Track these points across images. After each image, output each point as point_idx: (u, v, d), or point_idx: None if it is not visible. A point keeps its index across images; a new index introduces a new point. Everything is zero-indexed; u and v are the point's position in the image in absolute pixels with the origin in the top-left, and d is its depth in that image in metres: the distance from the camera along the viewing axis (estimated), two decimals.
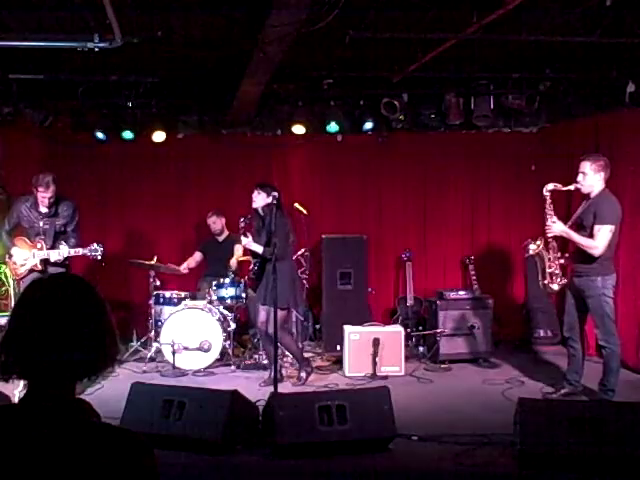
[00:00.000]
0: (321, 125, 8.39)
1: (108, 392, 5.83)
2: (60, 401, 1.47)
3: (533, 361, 7.49)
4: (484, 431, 4.92)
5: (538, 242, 5.73)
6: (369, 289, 8.16)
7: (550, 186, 5.69)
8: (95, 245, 6.36)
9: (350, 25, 5.54)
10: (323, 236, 8.07)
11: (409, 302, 8.19)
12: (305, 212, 7.66)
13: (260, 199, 6.33)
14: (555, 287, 5.74)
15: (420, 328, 7.96)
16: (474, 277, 8.35)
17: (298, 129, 8.31)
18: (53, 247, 6.39)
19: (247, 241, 6.28)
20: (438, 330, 7.32)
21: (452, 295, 7.62)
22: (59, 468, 1.39)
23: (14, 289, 7.15)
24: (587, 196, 5.68)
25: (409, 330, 7.84)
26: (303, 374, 6.53)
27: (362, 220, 8.74)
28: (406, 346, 7.23)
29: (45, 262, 6.36)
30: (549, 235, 5.67)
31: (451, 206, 8.86)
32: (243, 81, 6.59)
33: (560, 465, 4.28)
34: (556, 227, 5.62)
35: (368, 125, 8.40)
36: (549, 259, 5.70)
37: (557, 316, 8.11)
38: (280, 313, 5.97)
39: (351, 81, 8.03)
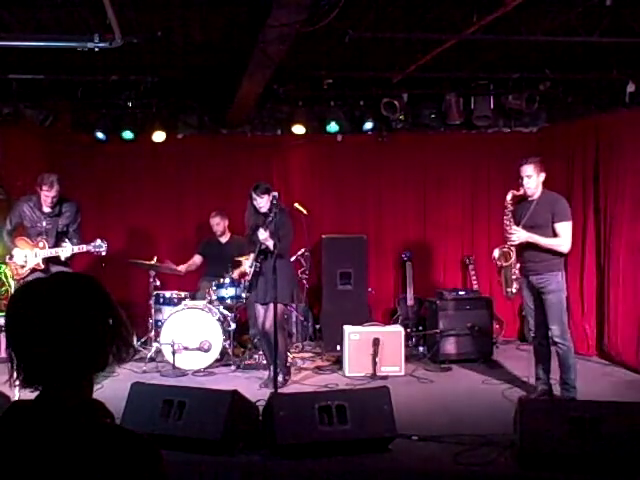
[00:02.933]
0: (321, 125, 8.39)
1: (108, 392, 5.81)
2: (73, 401, 1.46)
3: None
4: (484, 431, 4.92)
5: (505, 249, 5.75)
6: (369, 289, 8.16)
7: (510, 195, 5.76)
8: (99, 241, 6.36)
9: (350, 25, 5.54)
10: (323, 236, 8.07)
11: (409, 302, 8.18)
12: (305, 212, 7.65)
13: (264, 201, 6.37)
14: (515, 291, 5.77)
15: (420, 328, 7.96)
16: (474, 277, 8.36)
17: (298, 129, 8.31)
18: (56, 246, 6.40)
19: (265, 235, 6.27)
20: (438, 330, 7.32)
21: (452, 295, 7.62)
22: (66, 470, 1.38)
23: (15, 289, 7.15)
24: (527, 198, 5.73)
25: (409, 330, 7.84)
26: (280, 378, 6.45)
27: (362, 220, 8.74)
28: (406, 346, 7.22)
29: (47, 261, 6.36)
30: (514, 243, 5.69)
31: (451, 206, 8.86)
32: (243, 81, 6.59)
33: (560, 465, 4.28)
34: (521, 235, 5.65)
35: (368, 125, 8.40)
36: (512, 266, 5.73)
37: None
38: (281, 308, 6.24)
39: (351, 81, 8.03)
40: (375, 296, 8.39)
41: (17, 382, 1.49)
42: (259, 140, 8.73)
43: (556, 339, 5.65)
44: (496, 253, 5.83)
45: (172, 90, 8.05)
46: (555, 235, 5.61)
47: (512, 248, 5.72)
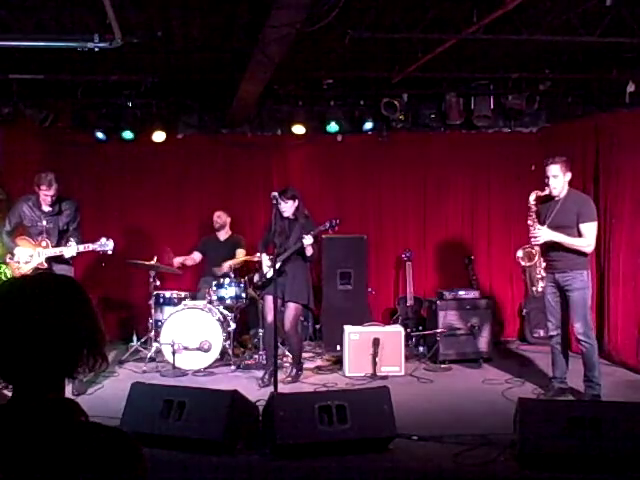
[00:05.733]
0: (321, 125, 8.39)
1: (108, 392, 5.83)
2: (46, 401, 1.46)
3: (533, 361, 7.48)
4: (484, 431, 4.92)
5: (528, 249, 5.74)
6: (369, 289, 8.16)
7: (534, 195, 5.73)
8: (104, 239, 6.36)
9: (350, 25, 5.54)
10: (323, 236, 8.06)
11: (409, 302, 8.18)
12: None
13: (289, 207, 6.42)
14: (540, 290, 5.77)
15: (420, 328, 7.95)
16: (474, 277, 8.36)
17: (298, 129, 8.31)
18: (58, 245, 6.40)
19: (311, 241, 6.31)
20: (438, 330, 7.32)
21: (452, 295, 7.62)
22: (44, 468, 1.38)
23: None
24: (554, 198, 5.72)
25: (409, 330, 7.84)
26: (293, 372, 6.65)
27: (362, 220, 8.73)
28: (406, 346, 7.22)
29: (50, 260, 6.36)
30: (538, 243, 5.69)
31: (451, 206, 8.86)
32: (243, 81, 6.59)
33: (560, 465, 4.28)
34: (545, 234, 5.65)
35: (368, 125, 8.40)
36: (536, 265, 5.73)
37: None
38: (299, 309, 6.54)
39: (351, 81, 8.03)
40: (375, 296, 8.39)
41: None
42: (259, 140, 8.73)
43: (580, 337, 5.69)
44: (520, 253, 5.81)
45: (172, 90, 8.05)
46: (580, 235, 5.61)
47: (536, 248, 5.70)
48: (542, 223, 5.72)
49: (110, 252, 6.41)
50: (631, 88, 7.11)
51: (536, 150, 8.63)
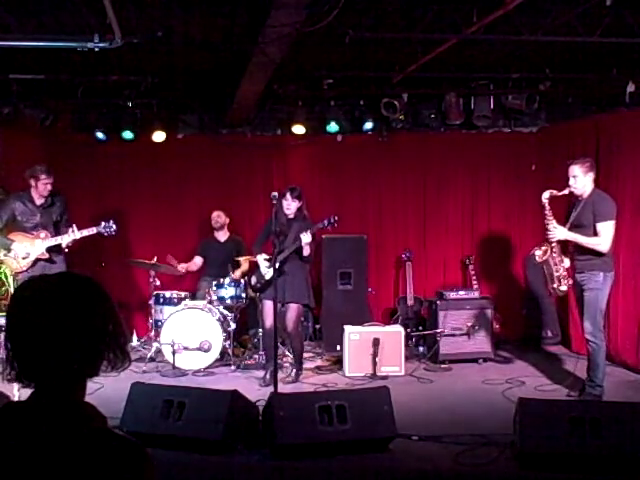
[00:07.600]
0: (321, 125, 8.39)
1: (108, 392, 5.82)
2: (64, 404, 1.46)
3: (533, 361, 7.48)
4: (484, 431, 4.93)
5: (544, 247, 5.82)
6: (369, 289, 8.16)
7: (547, 194, 5.81)
8: (104, 223, 6.42)
9: (350, 25, 5.54)
10: (323, 236, 8.05)
11: (409, 302, 8.18)
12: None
13: (294, 205, 6.45)
14: (564, 288, 5.84)
15: (420, 328, 7.96)
16: (474, 277, 8.35)
17: (298, 129, 8.30)
18: (57, 235, 6.48)
19: (309, 240, 6.30)
20: (438, 330, 7.32)
21: (452, 295, 7.62)
22: (53, 472, 1.38)
23: (20, 284, 7.16)
24: (578, 197, 5.81)
25: (409, 330, 7.84)
26: (293, 372, 6.66)
27: (362, 220, 8.73)
28: (406, 346, 7.22)
29: (49, 251, 6.43)
30: (553, 241, 5.77)
31: (451, 206, 8.86)
32: (243, 81, 6.59)
33: (560, 465, 4.28)
34: (559, 233, 5.74)
35: (368, 125, 8.40)
36: (555, 263, 5.79)
37: (557, 316, 8.14)
38: (301, 309, 6.58)
39: (351, 81, 8.02)
40: (375, 296, 8.39)
41: (9, 376, 1.49)
42: (259, 140, 8.73)
43: (587, 336, 5.75)
44: (537, 251, 5.86)
45: (172, 90, 8.05)
46: (595, 234, 5.68)
47: (553, 245, 5.76)
48: (566, 222, 5.82)
49: (114, 233, 6.52)
50: (631, 88, 7.11)
51: (536, 150, 8.64)
